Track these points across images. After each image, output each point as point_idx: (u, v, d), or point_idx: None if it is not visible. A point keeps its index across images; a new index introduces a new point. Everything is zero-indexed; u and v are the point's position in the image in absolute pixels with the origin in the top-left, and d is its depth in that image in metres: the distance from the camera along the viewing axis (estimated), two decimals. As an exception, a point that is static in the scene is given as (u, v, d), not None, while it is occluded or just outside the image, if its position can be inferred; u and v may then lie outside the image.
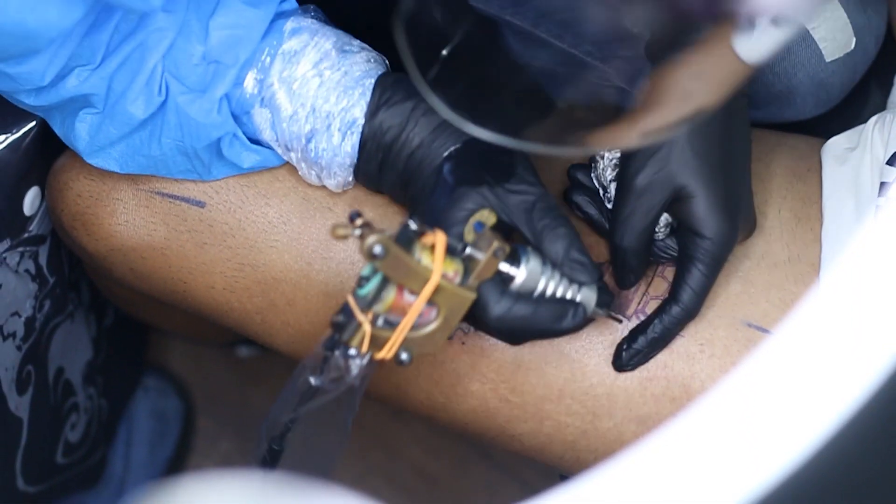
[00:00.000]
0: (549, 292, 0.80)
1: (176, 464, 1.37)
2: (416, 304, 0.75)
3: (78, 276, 1.15)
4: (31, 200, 1.00)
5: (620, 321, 0.86)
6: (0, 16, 0.71)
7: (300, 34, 0.85)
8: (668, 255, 0.88)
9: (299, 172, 0.87)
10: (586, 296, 0.80)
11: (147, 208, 0.90)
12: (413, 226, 0.75)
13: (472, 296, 0.77)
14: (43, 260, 1.06)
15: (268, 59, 0.84)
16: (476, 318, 0.79)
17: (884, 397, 0.45)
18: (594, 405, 0.88)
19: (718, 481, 0.46)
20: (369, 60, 0.86)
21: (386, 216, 0.89)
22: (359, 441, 1.38)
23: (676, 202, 0.84)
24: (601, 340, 0.88)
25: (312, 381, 0.79)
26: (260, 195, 0.90)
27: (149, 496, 0.47)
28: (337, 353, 0.77)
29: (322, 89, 0.84)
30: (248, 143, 0.86)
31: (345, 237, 0.73)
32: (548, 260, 0.80)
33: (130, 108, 0.83)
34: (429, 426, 1.33)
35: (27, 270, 1.04)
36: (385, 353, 0.76)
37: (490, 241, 0.77)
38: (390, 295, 0.75)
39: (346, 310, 0.76)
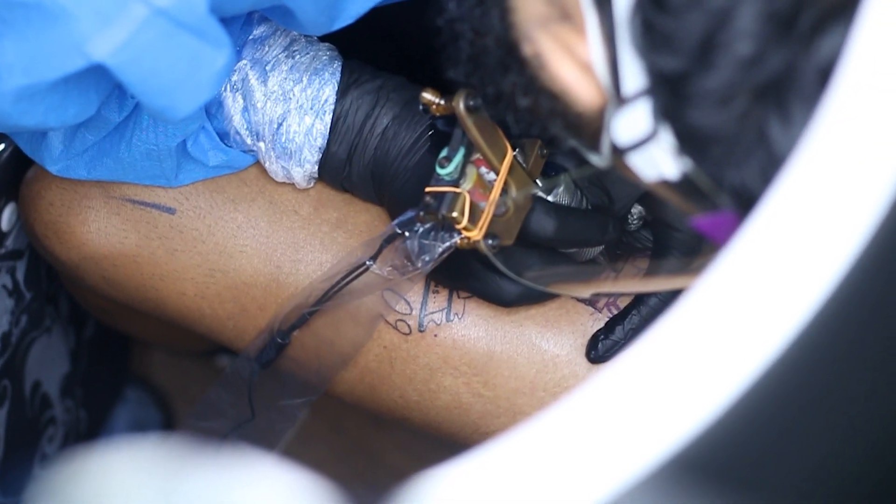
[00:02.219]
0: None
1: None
2: (503, 169, 0.77)
3: (56, 290, 1.15)
4: (8, 216, 1.00)
5: (615, 271, 0.87)
6: (26, 120, 0.73)
7: (268, 21, 0.86)
8: (642, 246, 0.88)
9: (266, 166, 0.88)
10: None
11: (118, 216, 0.90)
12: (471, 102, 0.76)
13: (533, 185, 0.80)
14: (20, 275, 1.06)
15: (237, 47, 0.85)
16: (535, 235, 0.81)
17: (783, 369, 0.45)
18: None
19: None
20: (332, 49, 0.87)
21: (349, 215, 0.90)
22: (340, 447, 1.38)
23: (649, 195, 0.85)
24: (572, 331, 0.88)
25: (369, 263, 0.81)
26: (228, 200, 0.90)
27: (63, 466, 0.48)
28: (412, 234, 0.79)
29: (294, 72, 0.84)
30: (215, 137, 0.86)
31: (432, 103, 0.76)
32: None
33: (105, 112, 0.83)
34: (412, 432, 1.33)
35: (4, 286, 1.04)
36: (477, 233, 0.77)
37: (533, 143, 0.80)
38: (473, 172, 0.77)
39: (431, 194, 0.77)
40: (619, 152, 0.60)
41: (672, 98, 0.56)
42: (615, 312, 0.88)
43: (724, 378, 0.43)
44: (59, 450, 1.20)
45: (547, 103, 0.65)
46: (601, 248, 0.86)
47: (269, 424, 0.90)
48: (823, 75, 0.52)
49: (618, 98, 0.59)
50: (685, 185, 0.59)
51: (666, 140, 0.57)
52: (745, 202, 0.55)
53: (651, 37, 0.55)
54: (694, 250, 0.84)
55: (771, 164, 0.53)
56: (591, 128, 0.63)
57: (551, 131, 0.68)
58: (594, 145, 0.64)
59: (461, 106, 0.74)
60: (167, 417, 1.40)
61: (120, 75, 0.69)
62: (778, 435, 0.46)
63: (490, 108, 0.72)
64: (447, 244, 0.78)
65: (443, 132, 0.83)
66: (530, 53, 0.64)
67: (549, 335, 0.88)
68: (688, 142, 0.57)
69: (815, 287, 0.43)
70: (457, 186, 0.77)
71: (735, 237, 0.46)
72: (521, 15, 0.64)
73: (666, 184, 0.60)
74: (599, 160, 0.64)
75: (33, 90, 0.71)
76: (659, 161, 0.58)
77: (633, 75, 0.57)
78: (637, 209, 0.87)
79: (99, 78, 0.72)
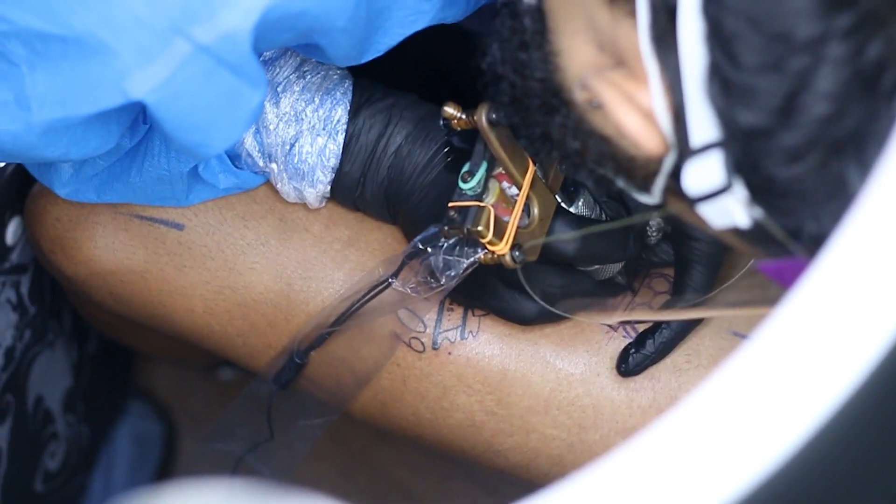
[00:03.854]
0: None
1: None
2: (526, 183, 0.77)
3: (60, 305, 1.15)
4: (13, 230, 1.00)
5: (632, 291, 0.87)
6: (49, 152, 0.72)
7: None
8: (663, 259, 0.88)
9: (277, 187, 0.87)
10: None
11: (126, 231, 0.90)
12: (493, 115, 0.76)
13: (554, 199, 0.80)
14: (25, 289, 1.05)
15: None
16: (557, 250, 0.81)
17: (860, 401, 0.45)
18: (580, 416, 0.88)
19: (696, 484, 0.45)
20: (342, 67, 0.86)
21: (361, 232, 0.89)
22: (343, 461, 1.38)
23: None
24: (586, 350, 0.88)
25: (393, 282, 0.82)
26: (238, 217, 0.89)
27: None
28: (435, 250, 0.79)
29: (305, 93, 0.84)
30: (226, 160, 0.86)
31: (454, 117, 0.77)
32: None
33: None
34: (414, 446, 1.33)
35: (8, 300, 1.03)
36: (503, 246, 0.77)
37: (552, 160, 0.80)
38: (496, 186, 0.77)
39: (455, 209, 0.77)
40: (688, 201, 0.59)
41: (748, 152, 0.56)
42: (630, 332, 0.87)
43: (794, 419, 0.43)
44: (61, 466, 1.19)
45: (596, 146, 0.65)
46: (620, 265, 0.86)
47: (288, 444, 0.89)
48: None
49: (684, 147, 0.58)
50: (756, 233, 0.58)
51: (739, 191, 0.57)
52: (820, 248, 0.54)
53: (729, 92, 0.55)
54: (717, 262, 0.84)
55: (848, 209, 0.52)
56: (643, 171, 0.63)
57: (600, 173, 0.67)
58: (645, 187, 0.64)
59: (483, 120, 0.74)
60: (169, 430, 1.39)
61: (156, 112, 0.68)
62: (843, 479, 0.46)
63: (533, 147, 0.72)
64: (472, 259, 0.78)
65: (458, 149, 0.83)
66: (583, 99, 0.63)
67: (563, 353, 0.88)
68: (763, 193, 0.57)
69: (886, 329, 0.43)
70: (480, 201, 0.77)
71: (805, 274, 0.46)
72: (570, 60, 0.64)
73: (736, 231, 0.60)
74: (649, 199, 0.64)
75: (64, 123, 0.70)
76: (731, 211, 0.58)
77: (705, 127, 0.57)
78: (655, 221, 0.86)
79: (122, 111, 0.72)
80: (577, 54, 0.63)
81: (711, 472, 0.45)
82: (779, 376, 0.46)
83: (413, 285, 0.82)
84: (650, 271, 0.89)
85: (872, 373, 0.43)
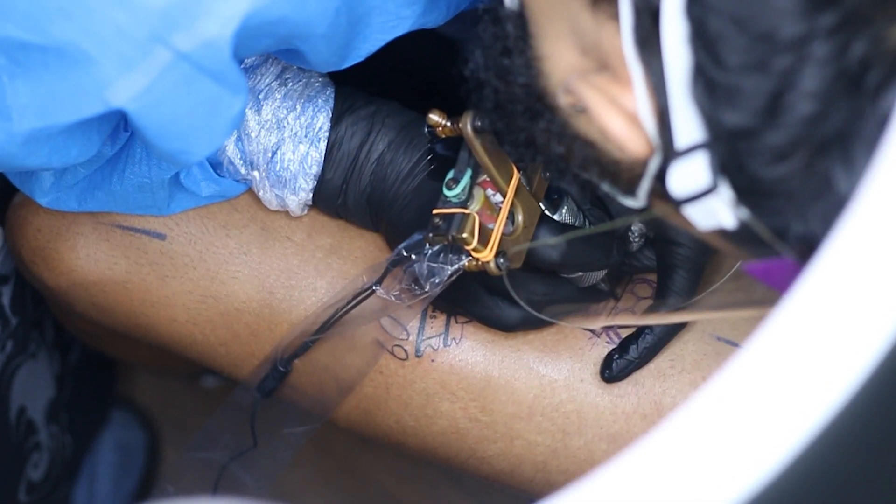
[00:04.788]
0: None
1: (141, 496, 1.36)
2: (510, 190, 0.77)
3: (42, 315, 1.14)
4: (-8, 242, 1.00)
5: (615, 297, 0.87)
6: (31, 161, 0.72)
7: None
8: (645, 265, 0.88)
9: (259, 195, 0.87)
10: None
11: (107, 242, 0.90)
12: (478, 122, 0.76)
13: (538, 207, 0.80)
14: (6, 300, 1.05)
15: None
16: (541, 257, 0.81)
17: (855, 409, 0.45)
18: (564, 422, 0.88)
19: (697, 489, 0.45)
20: (324, 74, 0.87)
21: (344, 240, 0.89)
22: (329, 468, 1.38)
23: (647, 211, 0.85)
24: (570, 356, 0.88)
25: (377, 289, 0.82)
26: (220, 226, 0.89)
27: None
28: (420, 257, 0.79)
29: (287, 100, 0.84)
30: (208, 168, 0.86)
31: (438, 124, 0.76)
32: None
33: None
34: (398, 452, 1.33)
35: (-10, 311, 1.03)
36: (487, 253, 0.77)
37: (536, 166, 0.80)
38: (480, 193, 0.77)
39: (439, 216, 0.77)
40: (674, 203, 0.59)
41: (733, 152, 0.56)
42: (613, 338, 0.87)
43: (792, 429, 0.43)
44: (44, 476, 1.19)
45: (581, 151, 0.65)
46: (604, 272, 0.86)
47: (272, 453, 0.89)
48: (884, 120, 0.51)
49: (669, 149, 0.58)
50: (742, 234, 0.58)
51: (725, 192, 0.57)
52: (807, 248, 0.54)
53: (713, 93, 0.55)
54: (699, 266, 0.84)
55: (834, 209, 0.53)
56: (628, 174, 0.63)
57: (584, 177, 0.67)
58: (630, 190, 0.64)
59: (468, 127, 0.74)
60: (152, 439, 1.39)
61: (137, 120, 0.68)
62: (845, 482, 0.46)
63: (518, 153, 0.72)
64: (456, 266, 0.78)
65: (442, 156, 0.83)
66: (567, 103, 0.63)
67: (546, 360, 0.88)
68: (748, 194, 0.57)
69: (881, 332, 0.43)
70: (465, 208, 0.77)
71: (794, 281, 0.46)
72: (553, 65, 0.64)
73: (722, 232, 0.60)
74: (634, 203, 0.64)
75: (45, 133, 0.70)
76: (717, 212, 0.58)
77: (689, 128, 0.57)
78: (637, 227, 0.86)
79: (102, 119, 0.72)
80: (560, 59, 0.63)
81: (708, 482, 0.45)
82: (775, 384, 0.46)
83: (397, 293, 0.82)
84: (633, 277, 0.90)
85: (867, 384, 0.43)
